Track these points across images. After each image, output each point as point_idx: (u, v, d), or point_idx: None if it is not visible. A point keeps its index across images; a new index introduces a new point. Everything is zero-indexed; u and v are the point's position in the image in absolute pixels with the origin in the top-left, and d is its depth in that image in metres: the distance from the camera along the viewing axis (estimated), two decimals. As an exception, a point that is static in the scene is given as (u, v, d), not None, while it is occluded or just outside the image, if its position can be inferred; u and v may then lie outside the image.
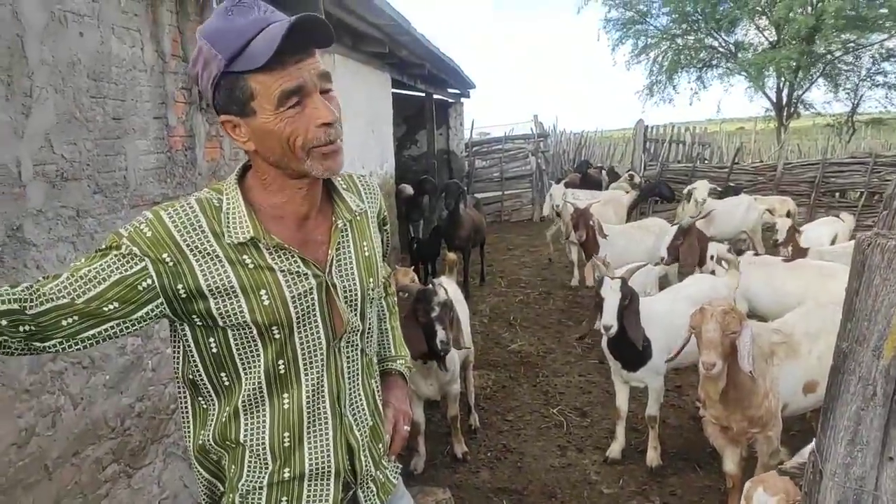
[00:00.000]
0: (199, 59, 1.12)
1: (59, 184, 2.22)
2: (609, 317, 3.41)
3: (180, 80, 2.98)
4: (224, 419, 1.23)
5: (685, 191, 8.08)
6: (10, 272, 1.99)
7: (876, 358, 1.33)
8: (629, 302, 3.46)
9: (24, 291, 1.05)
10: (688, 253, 5.11)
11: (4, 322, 1.01)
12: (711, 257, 5.12)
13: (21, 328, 1.03)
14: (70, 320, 1.07)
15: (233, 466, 1.26)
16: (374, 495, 1.37)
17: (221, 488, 1.32)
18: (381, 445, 1.41)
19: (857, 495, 1.37)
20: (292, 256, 1.19)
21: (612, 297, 3.43)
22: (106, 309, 1.09)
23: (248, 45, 1.08)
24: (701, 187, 7.76)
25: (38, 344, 1.06)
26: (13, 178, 2.01)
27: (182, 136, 3.00)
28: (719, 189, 8.40)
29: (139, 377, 2.62)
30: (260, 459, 1.24)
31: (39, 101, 2.12)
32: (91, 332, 1.09)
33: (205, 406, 1.26)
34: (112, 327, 1.11)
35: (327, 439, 1.27)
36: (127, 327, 1.13)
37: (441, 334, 3.20)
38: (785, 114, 18.83)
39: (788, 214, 7.88)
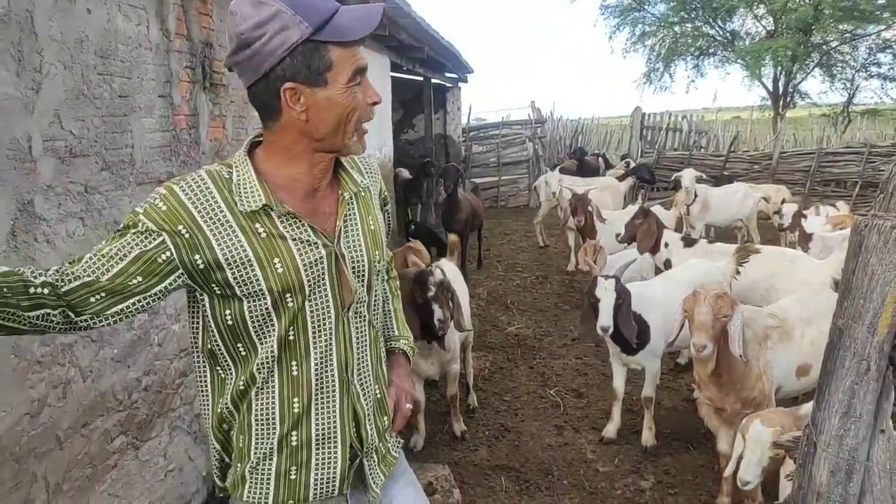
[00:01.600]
0: (271, 23, 1.12)
1: (68, 160, 2.24)
2: (606, 318, 3.46)
3: (185, 58, 2.99)
4: (242, 387, 1.27)
5: (672, 178, 8.14)
6: (22, 246, 2.02)
7: (871, 334, 1.38)
8: (622, 300, 3.51)
9: (55, 273, 1.12)
10: (644, 235, 5.16)
11: (50, 292, 1.09)
12: (666, 245, 5.17)
13: (61, 300, 1.11)
14: (97, 297, 1.13)
15: (241, 436, 1.29)
16: (375, 465, 1.41)
17: (228, 461, 1.37)
18: (385, 418, 1.45)
19: (849, 465, 1.43)
20: (303, 225, 1.23)
21: (607, 297, 3.47)
22: (130, 283, 1.14)
23: (332, 18, 1.15)
24: (687, 175, 7.80)
25: (72, 315, 1.12)
26: (24, 153, 2.03)
27: (186, 114, 3.02)
28: (704, 177, 8.43)
29: (146, 352, 2.66)
30: (269, 422, 1.27)
31: (49, 77, 2.13)
32: (118, 307, 1.15)
33: (223, 376, 1.30)
34: (137, 301, 1.16)
35: (334, 407, 1.30)
36: (152, 299, 1.18)
37: (438, 313, 3.25)
38: (781, 103, 18.86)
39: (783, 203, 7.95)
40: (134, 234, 1.15)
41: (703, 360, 3.00)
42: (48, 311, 1.08)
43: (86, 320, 1.13)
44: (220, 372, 1.30)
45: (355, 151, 1.26)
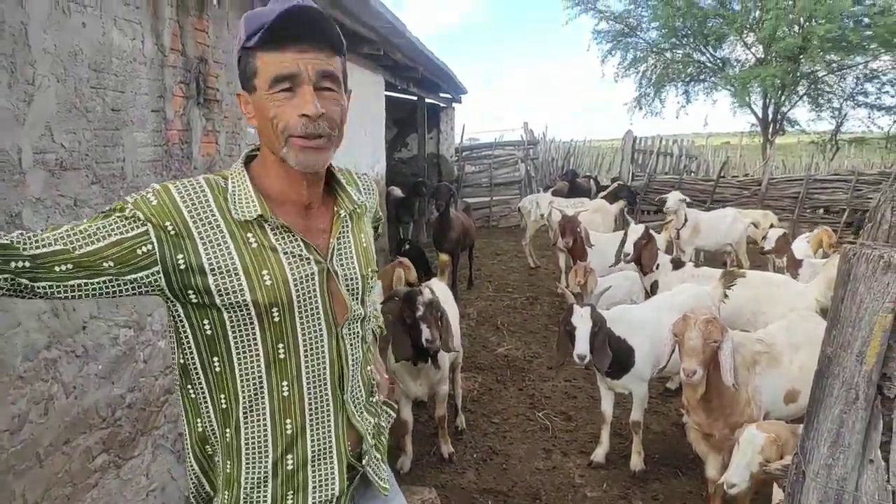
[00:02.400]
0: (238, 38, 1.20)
1: (59, 172, 2.22)
2: (583, 346, 3.45)
3: (179, 73, 2.99)
4: (223, 406, 1.23)
5: (657, 199, 8.20)
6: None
7: (859, 363, 1.38)
8: (598, 329, 3.51)
9: (20, 235, 1.06)
10: (648, 256, 5.21)
11: None
12: (656, 267, 5.21)
13: (13, 264, 1.03)
14: (64, 267, 1.07)
15: (228, 462, 1.25)
16: (378, 463, 1.42)
17: (207, 488, 1.33)
18: (377, 419, 1.46)
19: (838, 495, 1.42)
20: (296, 239, 1.22)
21: (583, 325, 3.47)
22: (103, 265, 1.10)
23: (266, 26, 1.14)
24: (671, 197, 7.86)
25: (25, 282, 1.05)
26: (14, 165, 2.02)
27: (179, 129, 3.01)
28: (689, 200, 8.46)
29: (131, 368, 2.63)
30: (261, 446, 1.23)
31: (41, 89, 2.13)
32: (80, 280, 1.09)
33: (193, 396, 1.26)
34: (103, 283, 1.11)
35: (329, 426, 1.28)
36: (116, 287, 1.12)
37: (426, 332, 3.24)
38: (770, 130, 19.09)
39: (771, 227, 8.02)
40: (118, 217, 1.12)
41: (693, 385, 2.99)
42: None
43: (44, 288, 1.07)
44: (191, 391, 1.26)
45: (292, 162, 1.19)
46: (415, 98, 10.66)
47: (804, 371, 3.23)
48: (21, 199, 2.05)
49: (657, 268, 5.21)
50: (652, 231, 5.39)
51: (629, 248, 5.22)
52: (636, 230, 5.29)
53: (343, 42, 1.22)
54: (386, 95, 8.09)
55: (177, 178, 2.97)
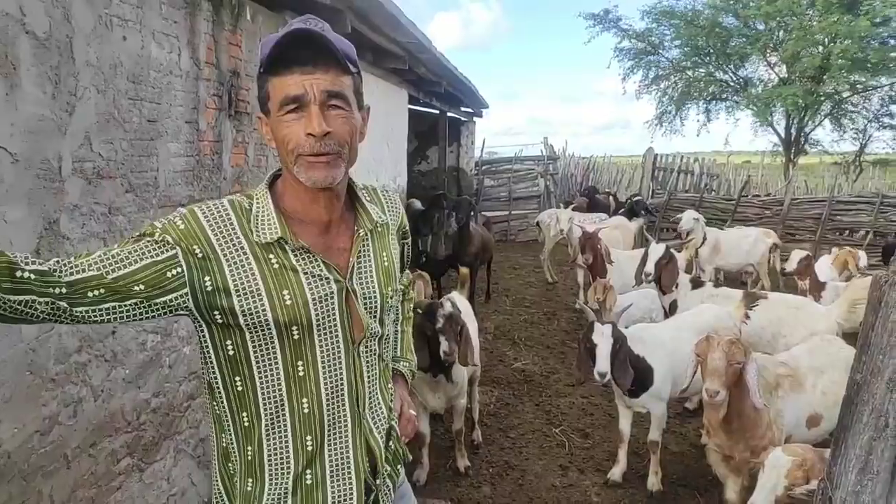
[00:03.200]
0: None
1: (95, 181, 2.28)
2: (603, 364, 3.45)
3: (213, 86, 3.06)
4: (245, 424, 1.26)
5: (673, 219, 8.16)
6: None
7: (889, 391, 1.38)
8: (619, 346, 3.50)
9: (56, 263, 1.10)
10: (668, 276, 5.18)
11: (37, 279, 1.05)
12: (676, 286, 5.17)
13: (52, 290, 1.06)
14: (97, 292, 1.10)
15: (249, 479, 1.27)
16: (389, 492, 1.43)
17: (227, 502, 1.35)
18: (397, 443, 1.48)
19: (865, 523, 1.42)
20: (315, 260, 1.24)
21: (604, 343, 3.47)
22: (134, 289, 1.13)
23: (273, 50, 1.18)
24: (685, 216, 7.83)
25: (65, 305, 1.08)
26: (54, 172, 2.08)
27: (211, 141, 3.08)
28: (703, 219, 8.39)
29: (156, 373, 2.67)
30: (283, 463, 1.26)
31: (83, 100, 2.19)
32: (113, 304, 1.12)
33: (218, 412, 1.30)
34: (133, 306, 1.14)
35: (348, 442, 1.30)
36: (146, 309, 1.15)
37: (444, 345, 3.27)
38: (793, 150, 18.96)
39: (775, 247, 7.95)
40: (149, 241, 1.15)
41: (715, 406, 2.98)
42: (33, 297, 1.04)
43: (81, 312, 1.10)
44: (216, 407, 1.30)
45: (306, 181, 1.22)
46: (437, 112, 10.74)
47: (827, 395, 3.20)
48: (59, 206, 2.10)
49: (676, 287, 5.19)
50: (673, 250, 5.37)
51: (650, 267, 5.20)
52: (657, 249, 5.27)
53: (354, 60, 1.24)
54: (408, 109, 8.17)
55: (207, 188, 3.04)
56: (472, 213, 7.15)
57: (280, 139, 1.21)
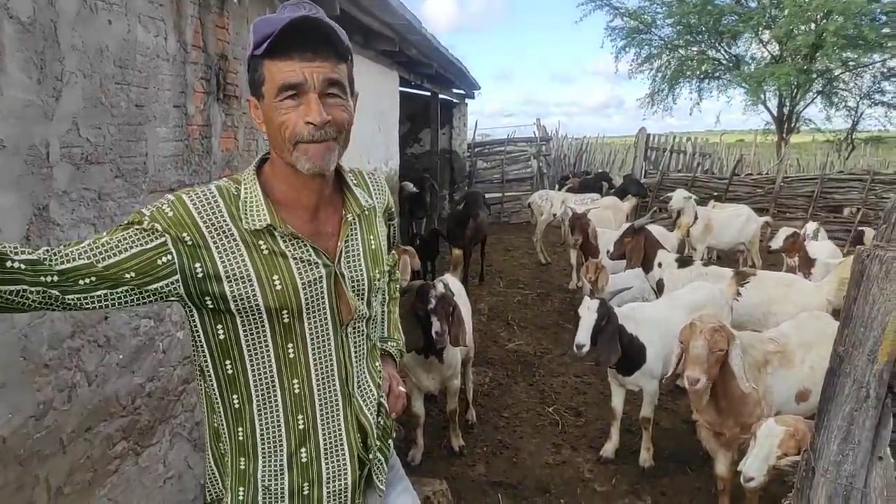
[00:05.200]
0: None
1: (84, 166, 2.27)
2: (582, 336, 3.49)
3: (200, 70, 3.04)
4: (236, 406, 1.28)
5: (664, 197, 8.15)
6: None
7: (870, 362, 1.41)
8: (606, 323, 3.53)
9: (47, 252, 1.11)
10: (631, 252, 5.22)
11: (28, 268, 1.06)
12: (659, 265, 5.20)
13: (43, 277, 1.08)
14: (88, 280, 1.11)
15: (242, 458, 1.30)
16: (381, 465, 1.47)
17: (220, 484, 1.37)
18: (386, 419, 1.52)
19: (846, 492, 1.45)
20: (304, 245, 1.25)
21: (587, 316, 3.51)
22: (125, 277, 1.14)
23: (272, 35, 1.16)
24: (675, 196, 7.83)
25: (56, 293, 1.09)
26: (42, 158, 2.07)
27: (199, 125, 3.06)
28: (695, 198, 8.40)
29: (150, 358, 2.68)
30: (275, 442, 1.29)
31: (69, 85, 2.18)
32: (104, 291, 1.13)
33: (209, 394, 1.32)
34: (125, 293, 1.15)
35: (339, 420, 1.34)
36: (138, 296, 1.17)
37: (436, 325, 3.29)
38: (785, 128, 18.96)
39: (767, 225, 7.98)
40: (137, 230, 1.16)
41: (697, 394, 3.01)
42: (24, 287, 1.05)
43: (73, 299, 1.11)
44: (207, 389, 1.32)
45: (302, 167, 1.22)
46: (428, 94, 10.68)
47: (816, 370, 3.24)
48: (49, 193, 2.10)
49: (660, 266, 5.22)
50: (649, 227, 5.41)
51: (611, 245, 5.30)
52: (624, 227, 5.36)
53: (349, 48, 1.25)
54: (399, 91, 8.12)
55: (197, 172, 3.03)
56: (483, 204, 7.24)
57: (276, 125, 1.21)
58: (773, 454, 2.38)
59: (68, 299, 1.12)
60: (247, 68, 1.25)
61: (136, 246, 1.15)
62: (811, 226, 6.88)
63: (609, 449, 3.88)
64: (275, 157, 1.28)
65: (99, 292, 1.13)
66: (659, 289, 5.15)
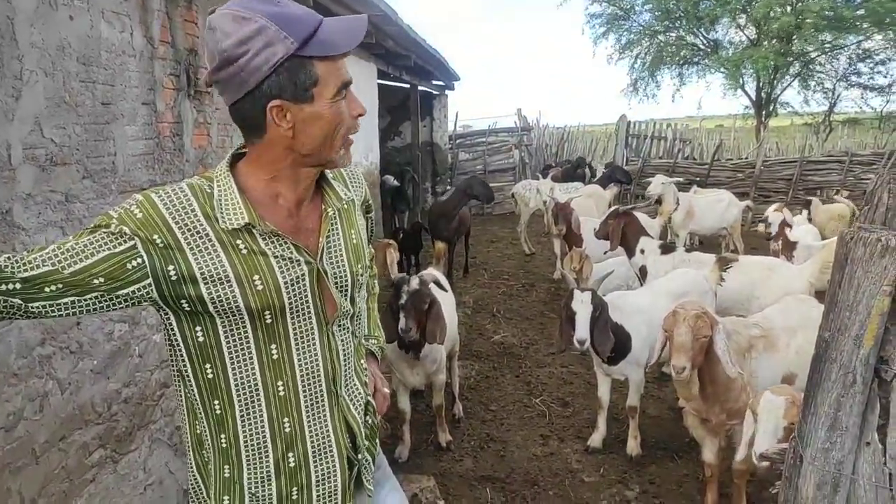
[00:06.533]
0: (255, 39, 1.09)
1: (49, 168, 2.20)
2: (582, 331, 3.46)
3: (169, 66, 2.96)
4: (217, 412, 1.23)
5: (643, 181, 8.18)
6: None
7: (856, 347, 1.39)
8: (599, 313, 3.51)
9: (7, 259, 1.06)
10: (611, 234, 5.27)
11: None
12: (642, 251, 5.22)
13: (4, 286, 1.04)
14: (54, 287, 1.07)
15: (226, 466, 1.25)
16: (368, 464, 1.43)
17: (204, 492, 1.32)
18: (374, 417, 1.48)
19: (835, 478, 1.43)
20: (285, 243, 1.20)
21: (583, 310, 3.48)
22: (93, 283, 1.09)
23: (315, 33, 1.12)
24: (654, 182, 7.82)
25: (19, 302, 1.05)
26: (3, 161, 1.99)
27: (170, 122, 2.98)
28: (677, 181, 8.38)
29: (126, 363, 2.62)
30: (260, 448, 1.24)
31: (29, 84, 2.10)
32: (72, 298, 1.09)
33: (190, 400, 1.26)
34: (94, 299, 1.10)
35: (326, 421, 1.29)
36: (108, 302, 1.12)
37: (402, 322, 3.25)
38: (763, 112, 19.10)
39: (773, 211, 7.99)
40: (105, 233, 1.10)
41: (683, 383, 2.99)
42: None
43: (37, 308, 1.07)
44: (188, 395, 1.26)
45: (343, 164, 1.24)
46: (407, 86, 10.60)
47: (801, 354, 3.24)
48: (12, 196, 2.02)
49: (642, 252, 5.22)
50: (635, 213, 5.47)
51: (596, 225, 5.40)
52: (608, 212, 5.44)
53: None
54: (378, 84, 8.04)
55: (169, 171, 2.96)
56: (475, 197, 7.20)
57: (332, 124, 1.18)
58: (781, 425, 2.31)
59: (32, 308, 1.07)
60: (271, 67, 1.10)
61: (104, 250, 1.09)
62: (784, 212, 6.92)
63: (596, 439, 3.88)
64: (271, 158, 1.20)
65: (66, 300, 1.08)
66: (643, 275, 5.16)
